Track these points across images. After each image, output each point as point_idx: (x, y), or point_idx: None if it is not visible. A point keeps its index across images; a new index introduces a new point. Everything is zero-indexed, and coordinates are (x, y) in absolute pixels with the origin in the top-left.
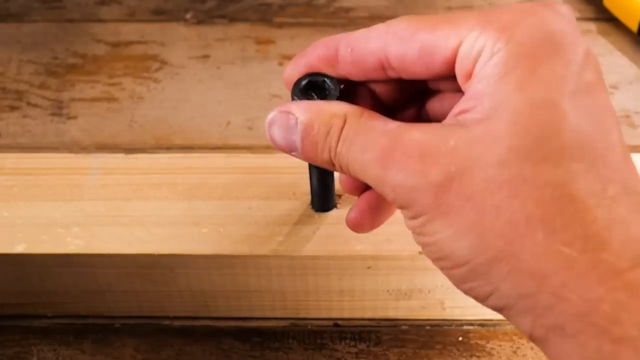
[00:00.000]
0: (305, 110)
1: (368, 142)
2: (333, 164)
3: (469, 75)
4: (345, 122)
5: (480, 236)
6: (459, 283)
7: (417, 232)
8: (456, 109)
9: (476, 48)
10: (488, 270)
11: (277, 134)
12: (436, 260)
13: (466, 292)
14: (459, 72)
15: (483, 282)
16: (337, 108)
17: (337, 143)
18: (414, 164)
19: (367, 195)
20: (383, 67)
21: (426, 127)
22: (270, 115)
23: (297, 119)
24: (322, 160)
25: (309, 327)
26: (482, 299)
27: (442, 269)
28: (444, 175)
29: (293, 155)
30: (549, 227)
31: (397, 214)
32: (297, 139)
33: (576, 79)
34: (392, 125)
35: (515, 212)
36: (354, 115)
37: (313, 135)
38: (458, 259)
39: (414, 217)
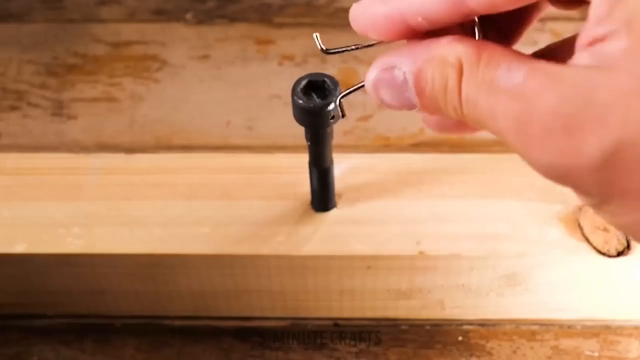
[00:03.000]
0: (410, 59)
1: (496, 106)
2: (465, 123)
3: None
4: (461, 72)
5: None
6: None
7: (595, 210)
8: (586, 35)
9: None
10: None
11: (388, 96)
12: (634, 238)
13: None
14: None
15: None
16: (448, 50)
17: (461, 103)
18: (560, 141)
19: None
20: None
21: (561, 80)
22: (372, 76)
23: (404, 72)
24: (449, 117)
25: (309, 327)
26: None
27: None
28: (602, 149)
29: (415, 112)
30: None
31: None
32: (411, 95)
33: None
34: (519, 76)
35: None
36: (470, 61)
37: (429, 90)
38: None
39: (582, 195)
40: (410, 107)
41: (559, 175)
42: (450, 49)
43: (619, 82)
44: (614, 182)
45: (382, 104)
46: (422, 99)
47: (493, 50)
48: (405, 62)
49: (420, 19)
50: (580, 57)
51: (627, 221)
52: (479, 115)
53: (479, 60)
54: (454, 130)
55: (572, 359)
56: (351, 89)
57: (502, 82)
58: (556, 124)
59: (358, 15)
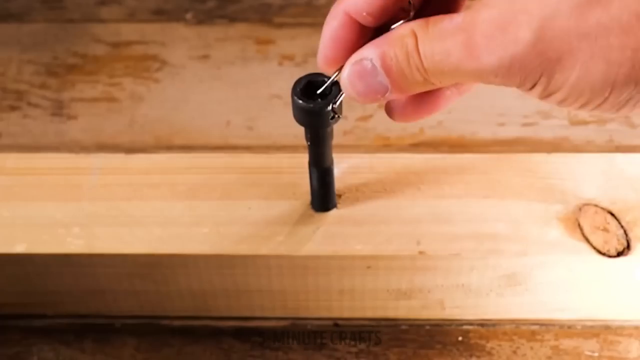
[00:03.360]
0: (374, 47)
1: (447, 45)
2: (430, 83)
3: None
4: (416, 38)
5: (606, 57)
6: (618, 108)
7: (546, 96)
8: None
9: None
10: (636, 80)
11: (361, 86)
12: (584, 105)
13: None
14: None
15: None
16: (402, 29)
17: (422, 60)
18: (499, 38)
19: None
20: None
21: (488, 2)
22: (345, 73)
23: (371, 59)
24: (417, 85)
25: (309, 327)
26: None
27: (595, 109)
28: (532, 30)
29: (387, 99)
30: None
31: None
32: (382, 78)
33: None
34: (458, 18)
35: (627, 12)
36: (421, 27)
37: (395, 64)
38: (601, 89)
39: (533, 86)
40: (383, 91)
41: (508, 68)
42: (403, 28)
43: None
44: (549, 52)
45: (357, 99)
46: (391, 76)
47: (436, 16)
48: (370, 52)
49: (364, 14)
50: None
51: (570, 85)
52: (438, 62)
53: (427, 24)
54: (414, 113)
55: (572, 359)
56: (338, 97)
57: (448, 28)
58: (493, 28)
59: (323, 44)
